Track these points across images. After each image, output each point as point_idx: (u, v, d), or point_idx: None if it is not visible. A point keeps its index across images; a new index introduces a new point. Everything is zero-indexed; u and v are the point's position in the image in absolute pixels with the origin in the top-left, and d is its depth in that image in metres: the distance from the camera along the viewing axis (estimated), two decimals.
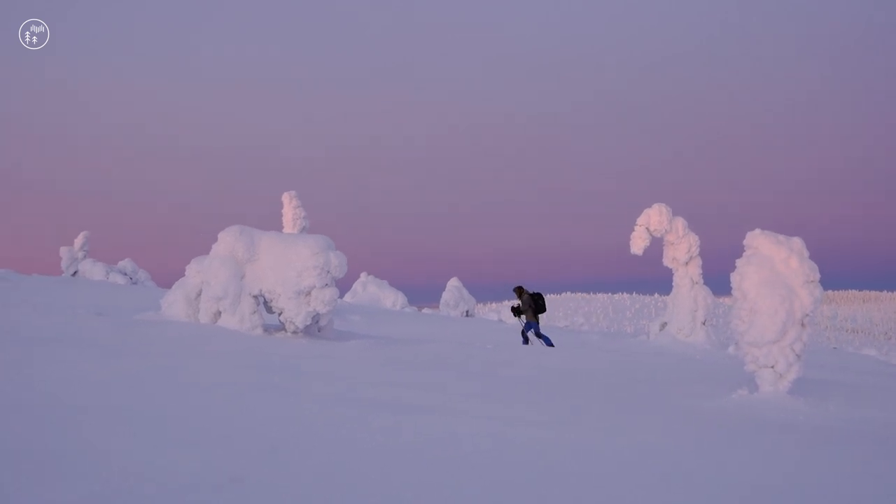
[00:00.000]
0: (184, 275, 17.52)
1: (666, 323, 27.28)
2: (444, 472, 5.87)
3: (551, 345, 21.13)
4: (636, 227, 26.48)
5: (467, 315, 45.22)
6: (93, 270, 50.63)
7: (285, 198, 40.89)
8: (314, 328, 16.73)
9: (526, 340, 21.79)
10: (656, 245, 26.95)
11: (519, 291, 22.49)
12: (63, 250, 51.62)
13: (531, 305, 21.91)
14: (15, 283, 29.69)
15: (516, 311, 22.78)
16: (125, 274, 51.55)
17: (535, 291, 22.20)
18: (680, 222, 26.41)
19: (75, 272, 51.11)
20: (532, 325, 22.01)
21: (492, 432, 7.44)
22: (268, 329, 16.58)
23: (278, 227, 40.39)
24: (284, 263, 15.95)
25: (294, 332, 16.29)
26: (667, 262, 27.03)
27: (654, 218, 26.29)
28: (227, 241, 16.81)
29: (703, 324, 26.24)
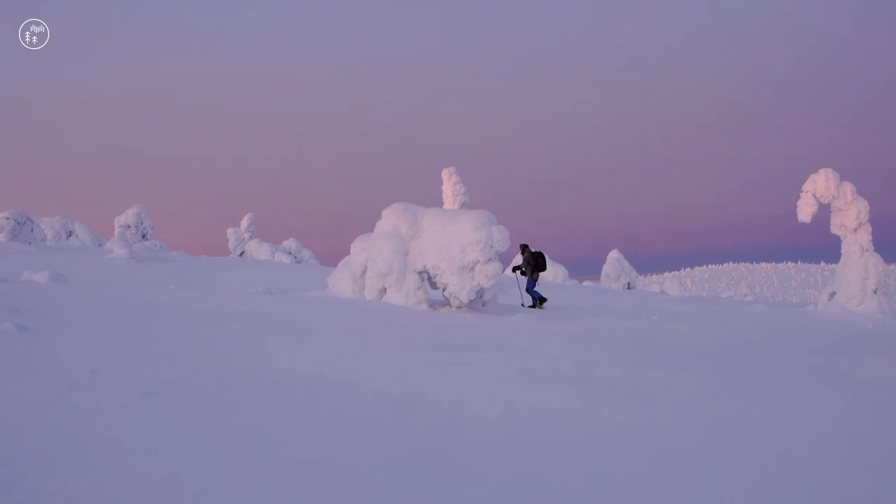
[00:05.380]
0: (346, 254, 18.06)
1: (835, 292, 26.42)
2: (639, 453, 5.72)
3: (544, 299, 21.26)
4: (802, 194, 25.70)
5: (629, 287, 44.80)
6: (259, 250, 52.57)
7: (445, 174, 41.38)
8: (478, 303, 16.98)
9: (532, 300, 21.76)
10: (823, 212, 26.13)
11: (522, 249, 22.56)
12: (230, 231, 53.76)
13: (530, 263, 21.88)
14: (187, 264, 31.13)
15: (517, 269, 22.90)
16: (290, 253, 53.27)
17: (537, 251, 22.14)
18: (848, 187, 25.49)
19: (242, 252, 53.16)
20: (529, 281, 22.01)
21: (690, 409, 7.43)
22: (432, 304, 16.92)
23: (438, 203, 40.94)
24: (447, 239, 16.23)
25: (459, 307, 16.58)
26: (835, 229, 26.14)
27: (820, 184, 25.47)
28: (391, 218, 17.23)
29: (875, 292, 25.31)
